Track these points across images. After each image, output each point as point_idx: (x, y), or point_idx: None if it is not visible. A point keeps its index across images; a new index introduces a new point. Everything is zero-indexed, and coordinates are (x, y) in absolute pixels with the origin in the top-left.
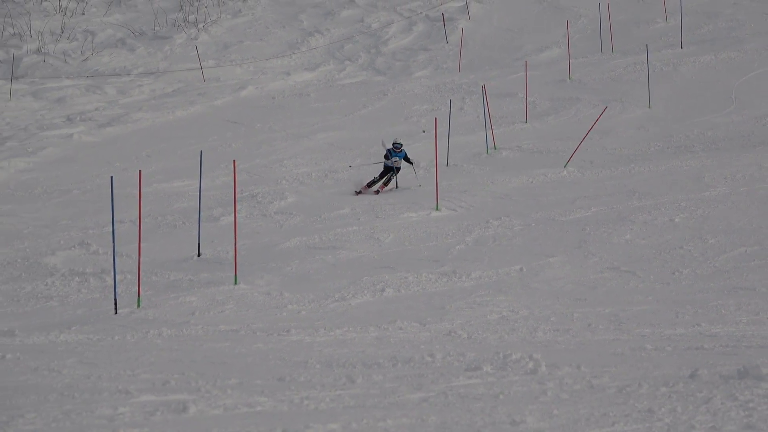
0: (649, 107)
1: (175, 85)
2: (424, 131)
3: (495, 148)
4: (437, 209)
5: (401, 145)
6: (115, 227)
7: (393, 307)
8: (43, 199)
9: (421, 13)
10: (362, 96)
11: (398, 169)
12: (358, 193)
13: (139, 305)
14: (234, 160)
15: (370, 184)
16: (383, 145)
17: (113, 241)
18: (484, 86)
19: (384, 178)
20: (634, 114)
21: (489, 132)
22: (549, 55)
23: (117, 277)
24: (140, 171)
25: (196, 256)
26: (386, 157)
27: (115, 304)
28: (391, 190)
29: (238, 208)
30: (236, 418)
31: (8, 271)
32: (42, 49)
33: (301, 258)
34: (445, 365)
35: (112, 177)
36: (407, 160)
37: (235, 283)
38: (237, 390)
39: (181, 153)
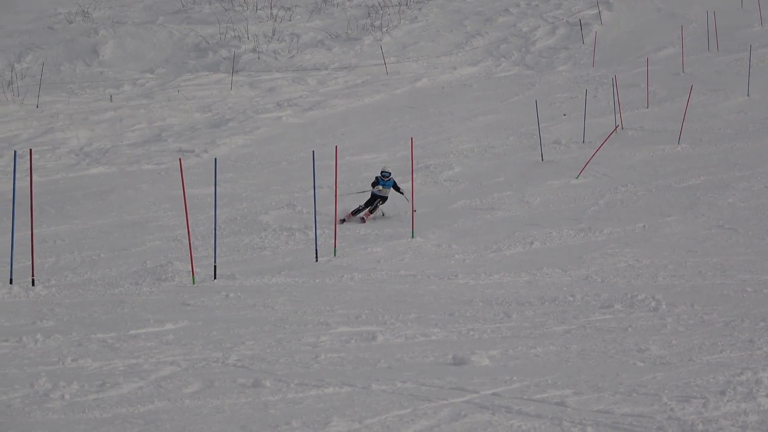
0: (748, 95)
1: (364, 77)
2: (564, 114)
3: (622, 128)
4: (576, 178)
5: (389, 173)
6: (315, 191)
7: (540, 256)
8: (258, 168)
9: (562, 19)
10: (514, 86)
11: (385, 198)
12: (343, 221)
13: (335, 254)
14: (411, 138)
15: (354, 212)
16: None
17: (314, 203)
18: (615, 77)
19: (370, 206)
20: (735, 101)
21: (617, 115)
22: (666, 53)
23: (317, 231)
24: (336, 146)
25: (381, 215)
26: (373, 184)
27: (316, 253)
28: (376, 218)
29: (414, 176)
30: (415, 345)
31: (230, 226)
32: (257, 49)
33: (465, 216)
34: (583, 303)
35: (313, 151)
36: (396, 188)
37: (412, 236)
38: (415, 323)
39: (368, 132)
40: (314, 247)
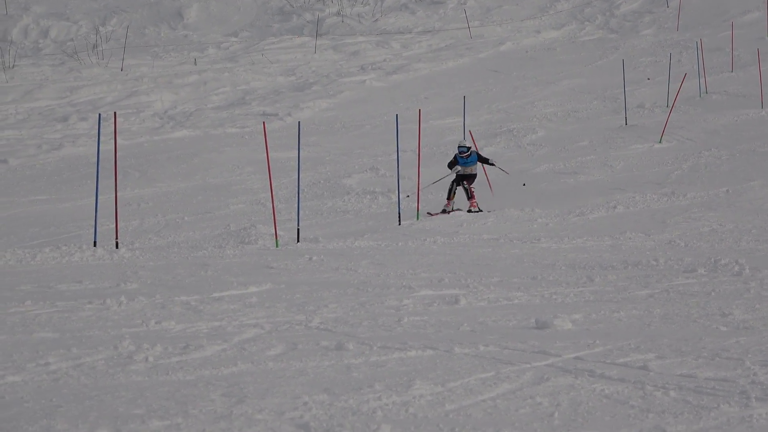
0: None
1: (447, 41)
2: (648, 78)
3: (706, 93)
4: (659, 142)
5: (468, 148)
6: (399, 155)
7: (623, 220)
8: (342, 132)
9: None
10: (598, 50)
11: (473, 177)
12: (433, 214)
13: (418, 218)
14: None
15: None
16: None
17: (397, 166)
18: (700, 41)
19: (454, 192)
20: None
21: (702, 79)
22: (750, 17)
23: (400, 195)
24: (419, 110)
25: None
26: (451, 165)
27: (399, 216)
28: (457, 210)
29: (497, 140)
30: (498, 309)
31: (313, 190)
32: (341, 12)
33: (548, 180)
34: (666, 268)
35: (396, 115)
36: (483, 160)
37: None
38: (498, 286)
39: (451, 96)
40: (397, 210)
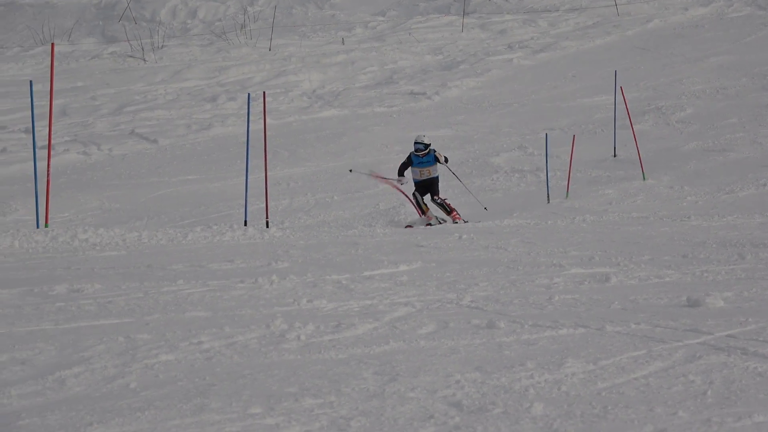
0: None
1: (595, 18)
2: None
3: None
4: None
5: (425, 146)
6: (547, 134)
7: None
8: (489, 111)
9: None
10: (747, 26)
11: (434, 182)
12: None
13: (567, 196)
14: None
15: (422, 212)
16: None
17: (546, 145)
18: None
19: (421, 200)
20: None
21: None
22: None
23: (549, 173)
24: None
25: (612, 157)
26: (403, 170)
27: (548, 195)
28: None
29: (645, 118)
30: (649, 287)
31: (462, 168)
32: None
33: (697, 158)
34: None
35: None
36: (439, 161)
37: (644, 179)
38: (649, 264)
39: (599, 74)
40: (546, 189)
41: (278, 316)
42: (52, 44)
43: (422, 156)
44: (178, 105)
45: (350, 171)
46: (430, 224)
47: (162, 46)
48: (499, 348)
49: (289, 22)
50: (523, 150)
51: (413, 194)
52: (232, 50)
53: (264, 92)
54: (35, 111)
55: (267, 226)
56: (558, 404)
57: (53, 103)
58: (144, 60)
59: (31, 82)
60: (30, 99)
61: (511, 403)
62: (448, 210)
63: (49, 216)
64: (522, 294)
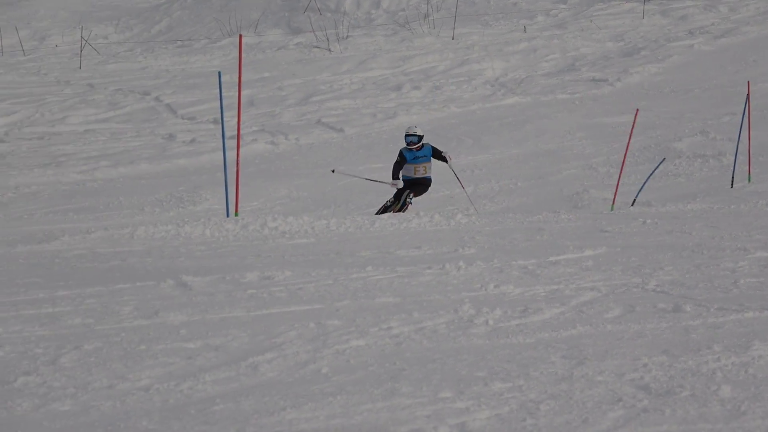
0: None
1: None
2: None
3: None
4: None
5: (419, 138)
6: (729, 119)
7: None
8: (671, 96)
9: None
10: None
11: (426, 184)
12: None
13: (749, 180)
14: None
15: (382, 211)
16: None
17: (740, 131)
18: None
19: (396, 203)
20: None
21: None
22: None
23: (731, 158)
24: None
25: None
26: (396, 170)
27: (732, 179)
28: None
29: None
30: None
31: (644, 154)
32: None
33: None
34: None
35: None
36: (439, 156)
37: None
38: None
39: None
40: (730, 173)
41: (466, 302)
42: (240, 36)
43: (416, 149)
44: (363, 94)
45: (332, 171)
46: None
47: (347, 37)
48: (685, 331)
49: (471, 11)
50: (705, 135)
51: (403, 192)
52: (415, 40)
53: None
54: (223, 102)
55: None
56: (746, 387)
57: (241, 93)
58: (329, 50)
59: (219, 73)
60: (219, 90)
61: (698, 386)
62: (403, 209)
63: (239, 205)
64: (707, 278)
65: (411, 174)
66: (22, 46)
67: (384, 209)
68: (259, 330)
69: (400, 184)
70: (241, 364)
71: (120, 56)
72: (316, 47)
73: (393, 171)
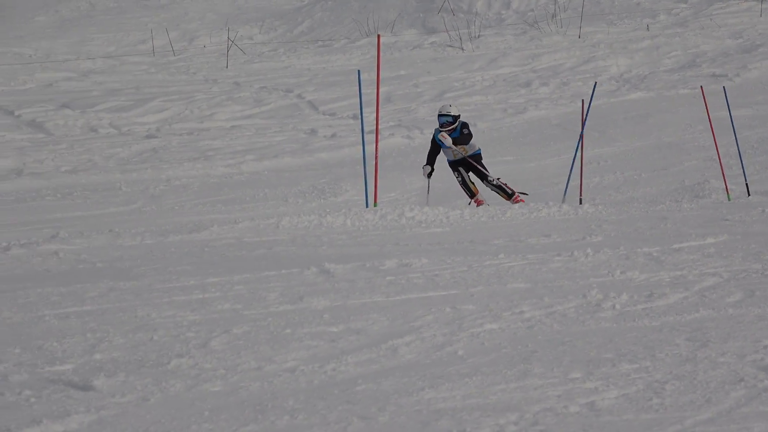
0: None
1: None
2: None
3: None
4: None
5: (454, 118)
6: None
7: None
8: None
9: None
10: None
11: (475, 159)
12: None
13: None
14: None
15: (471, 195)
16: None
17: None
18: None
19: (464, 184)
20: None
21: None
22: None
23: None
24: None
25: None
26: (434, 152)
27: None
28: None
29: None
30: None
31: (763, 146)
32: None
33: None
34: None
35: None
36: (463, 137)
37: None
38: None
39: None
40: None
41: (594, 287)
42: (378, 36)
43: (450, 132)
44: (494, 90)
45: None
46: (483, 203)
47: (478, 36)
48: None
49: (597, 11)
50: None
51: (457, 170)
52: (543, 38)
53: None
54: (363, 98)
55: (580, 203)
56: None
57: (379, 90)
58: (462, 49)
59: (359, 71)
60: (358, 87)
61: None
62: (510, 193)
63: (378, 196)
64: None
65: (450, 157)
66: (172, 46)
67: (464, 184)
68: (398, 314)
69: (428, 169)
70: (381, 346)
71: (264, 56)
72: (450, 46)
73: (428, 157)
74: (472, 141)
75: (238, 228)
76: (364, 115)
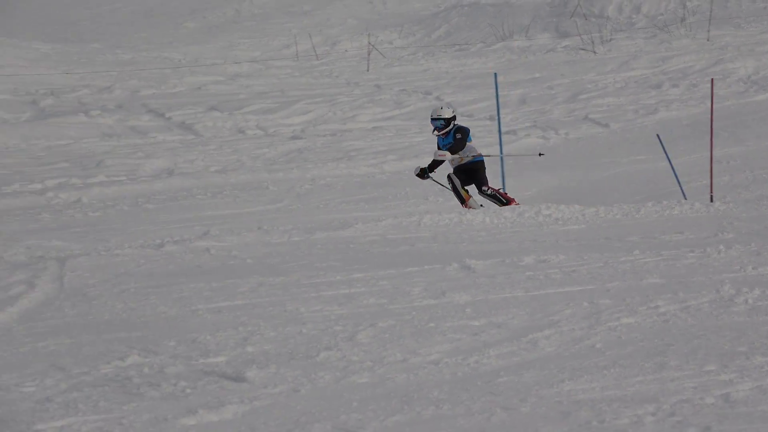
0: None
1: None
2: None
3: None
4: None
5: (446, 122)
6: None
7: None
8: None
9: None
10: None
11: (475, 169)
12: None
13: None
14: None
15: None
16: None
17: None
18: None
19: (457, 189)
20: None
21: None
22: None
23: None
24: None
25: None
26: (433, 169)
27: None
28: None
29: None
30: None
31: None
32: None
33: None
34: None
35: None
36: (456, 143)
37: None
38: None
39: None
40: None
41: (726, 282)
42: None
43: (444, 136)
44: (626, 92)
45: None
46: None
47: (610, 39)
48: None
49: (725, 14)
50: None
51: (448, 176)
52: (673, 41)
53: (712, 79)
54: (499, 100)
55: (711, 201)
56: None
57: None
58: (594, 52)
59: (495, 74)
60: (495, 89)
61: None
62: (504, 201)
63: (514, 194)
64: None
65: (455, 162)
66: (315, 51)
67: (454, 189)
68: (537, 308)
69: (417, 170)
70: (522, 339)
71: (404, 59)
72: (582, 49)
73: (433, 160)
74: (472, 145)
75: (382, 225)
76: (501, 116)
